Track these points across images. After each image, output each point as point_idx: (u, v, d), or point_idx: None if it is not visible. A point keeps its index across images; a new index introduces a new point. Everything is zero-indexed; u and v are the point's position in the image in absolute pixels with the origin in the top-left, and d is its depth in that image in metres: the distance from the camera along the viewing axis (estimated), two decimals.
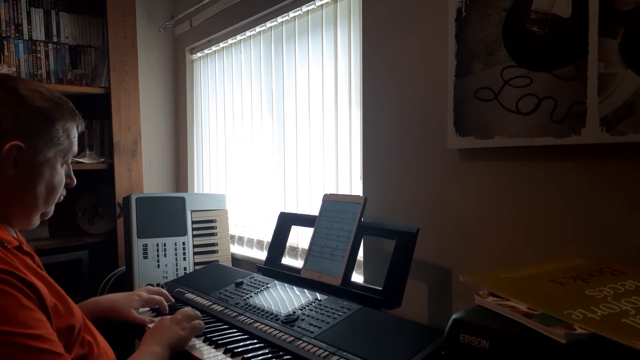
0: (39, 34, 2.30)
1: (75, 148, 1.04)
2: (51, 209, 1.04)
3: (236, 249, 2.16)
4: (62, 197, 1.05)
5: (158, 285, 1.60)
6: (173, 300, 1.47)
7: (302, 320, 1.19)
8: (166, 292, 1.47)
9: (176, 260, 1.94)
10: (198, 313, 1.22)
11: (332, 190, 1.70)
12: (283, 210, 1.73)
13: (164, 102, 2.69)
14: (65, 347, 0.90)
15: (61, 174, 1.02)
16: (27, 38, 2.27)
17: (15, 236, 0.98)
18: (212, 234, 2.06)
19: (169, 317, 1.18)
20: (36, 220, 1.02)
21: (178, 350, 1.10)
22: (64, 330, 0.90)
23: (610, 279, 0.79)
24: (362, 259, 1.52)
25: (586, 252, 0.98)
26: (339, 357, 1.00)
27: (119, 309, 1.32)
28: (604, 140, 0.94)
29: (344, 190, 1.66)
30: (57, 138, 0.98)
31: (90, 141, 2.37)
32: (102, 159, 2.35)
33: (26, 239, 1.05)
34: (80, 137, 1.06)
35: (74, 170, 1.08)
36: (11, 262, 0.85)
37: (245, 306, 1.34)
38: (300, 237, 1.82)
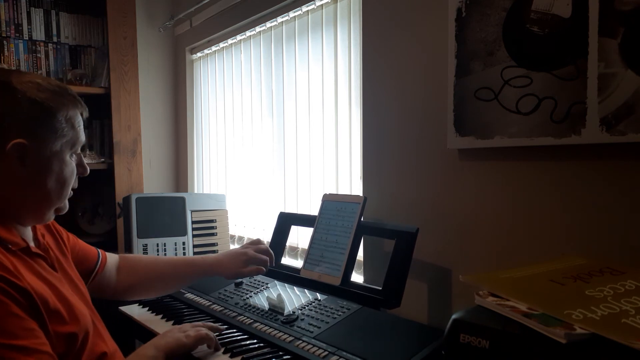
0: (39, 34, 2.30)
1: (83, 136, 1.00)
2: (66, 203, 1.01)
3: None
4: (71, 192, 1.01)
5: None
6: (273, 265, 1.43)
7: (302, 320, 1.19)
8: (272, 253, 1.42)
9: None
10: (210, 325, 1.18)
11: (332, 190, 1.70)
12: (283, 210, 1.73)
13: (164, 102, 2.69)
14: (68, 355, 0.88)
15: (71, 165, 0.98)
16: (27, 38, 2.27)
17: (31, 235, 0.96)
18: (212, 234, 2.05)
19: (178, 326, 1.15)
20: (50, 215, 0.99)
21: (176, 356, 1.08)
22: (64, 336, 0.88)
23: (610, 279, 0.78)
24: (361, 259, 1.52)
25: (586, 252, 0.98)
26: (338, 357, 1.00)
27: (225, 268, 1.35)
28: (604, 140, 0.93)
29: (344, 190, 1.66)
30: (61, 129, 0.94)
31: (90, 141, 2.38)
32: (102, 159, 2.35)
33: None
34: None
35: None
36: (9, 265, 0.82)
37: (245, 306, 1.34)
38: (300, 237, 1.82)
